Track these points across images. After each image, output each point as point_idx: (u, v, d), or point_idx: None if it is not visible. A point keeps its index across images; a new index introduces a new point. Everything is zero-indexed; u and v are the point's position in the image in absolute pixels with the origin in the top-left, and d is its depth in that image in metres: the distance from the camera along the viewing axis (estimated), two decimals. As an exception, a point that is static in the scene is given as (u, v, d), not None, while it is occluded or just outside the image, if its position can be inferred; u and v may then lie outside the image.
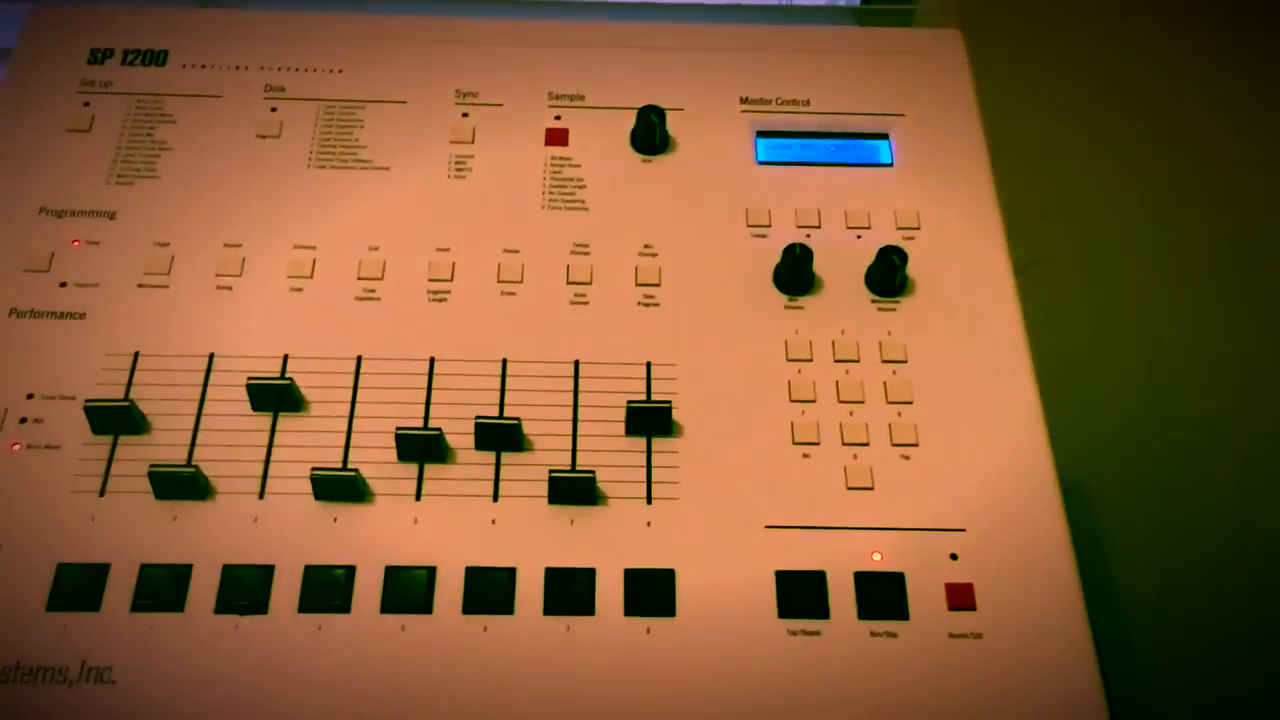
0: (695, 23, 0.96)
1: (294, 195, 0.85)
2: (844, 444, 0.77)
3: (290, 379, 0.75)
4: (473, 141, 0.88)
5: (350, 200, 0.85)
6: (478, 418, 0.74)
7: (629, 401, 0.75)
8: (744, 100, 0.91)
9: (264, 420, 0.76)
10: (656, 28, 0.95)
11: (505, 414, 0.77)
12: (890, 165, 0.89)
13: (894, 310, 0.82)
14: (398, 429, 0.74)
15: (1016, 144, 0.92)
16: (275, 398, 0.76)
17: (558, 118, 0.90)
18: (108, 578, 0.70)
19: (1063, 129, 1.11)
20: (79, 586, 0.70)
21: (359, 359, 0.78)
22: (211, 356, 0.78)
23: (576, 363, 0.79)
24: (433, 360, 0.79)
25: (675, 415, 0.77)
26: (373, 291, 0.81)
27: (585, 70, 0.92)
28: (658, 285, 0.82)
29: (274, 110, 0.89)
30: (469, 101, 0.90)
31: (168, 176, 0.86)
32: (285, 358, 0.78)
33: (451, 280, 0.82)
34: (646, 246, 0.84)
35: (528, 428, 0.76)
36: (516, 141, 0.89)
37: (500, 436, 0.75)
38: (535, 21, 0.95)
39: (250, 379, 0.75)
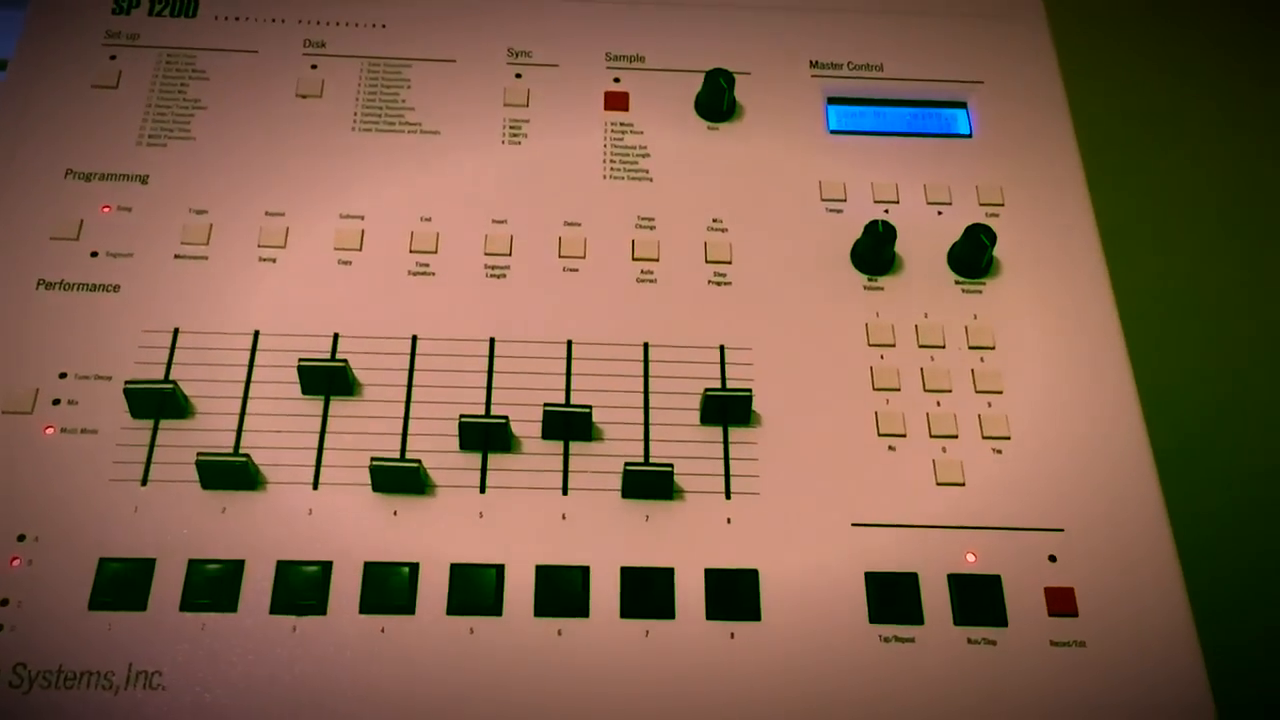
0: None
1: (339, 160, 0.80)
2: (932, 436, 0.72)
3: (344, 361, 0.70)
4: (527, 104, 0.83)
5: (399, 167, 0.80)
6: (546, 405, 0.70)
7: (707, 390, 0.71)
8: (814, 64, 0.86)
9: (315, 405, 0.71)
10: (719, -16, 0.89)
11: (572, 400, 0.72)
12: (969, 136, 0.84)
13: (979, 293, 0.78)
14: (461, 416, 0.69)
15: (1094, 130, 0.87)
16: (327, 380, 0.71)
17: (617, 80, 0.84)
18: (154, 574, 0.65)
19: (1144, 124, 1.06)
20: (123, 583, 0.65)
21: (414, 339, 0.73)
22: (256, 334, 0.73)
23: (646, 345, 0.74)
24: (493, 341, 0.74)
25: (752, 403, 0.72)
26: (426, 266, 0.76)
27: (646, 29, 0.87)
28: (729, 263, 0.78)
29: (314, 68, 0.83)
30: (522, 61, 0.85)
31: (203, 138, 0.80)
32: (335, 337, 0.73)
33: (510, 255, 0.77)
34: (715, 221, 0.79)
35: (596, 415, 0.71)
36: (574, 105, 0.83)
37: (569, 425, 0.70)
38: (590, -24, 0.89)
39: (302, 360, 0.70)
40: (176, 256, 0.75)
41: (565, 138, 0.82)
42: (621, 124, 0.83)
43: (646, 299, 0.76)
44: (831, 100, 0.85)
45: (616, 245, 0.78)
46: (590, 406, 0.70)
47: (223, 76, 0.83)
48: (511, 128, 0.82)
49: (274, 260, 0.76)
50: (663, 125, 0.83)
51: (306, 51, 0.84)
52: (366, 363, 0.72)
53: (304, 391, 0.71)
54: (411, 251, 0.77)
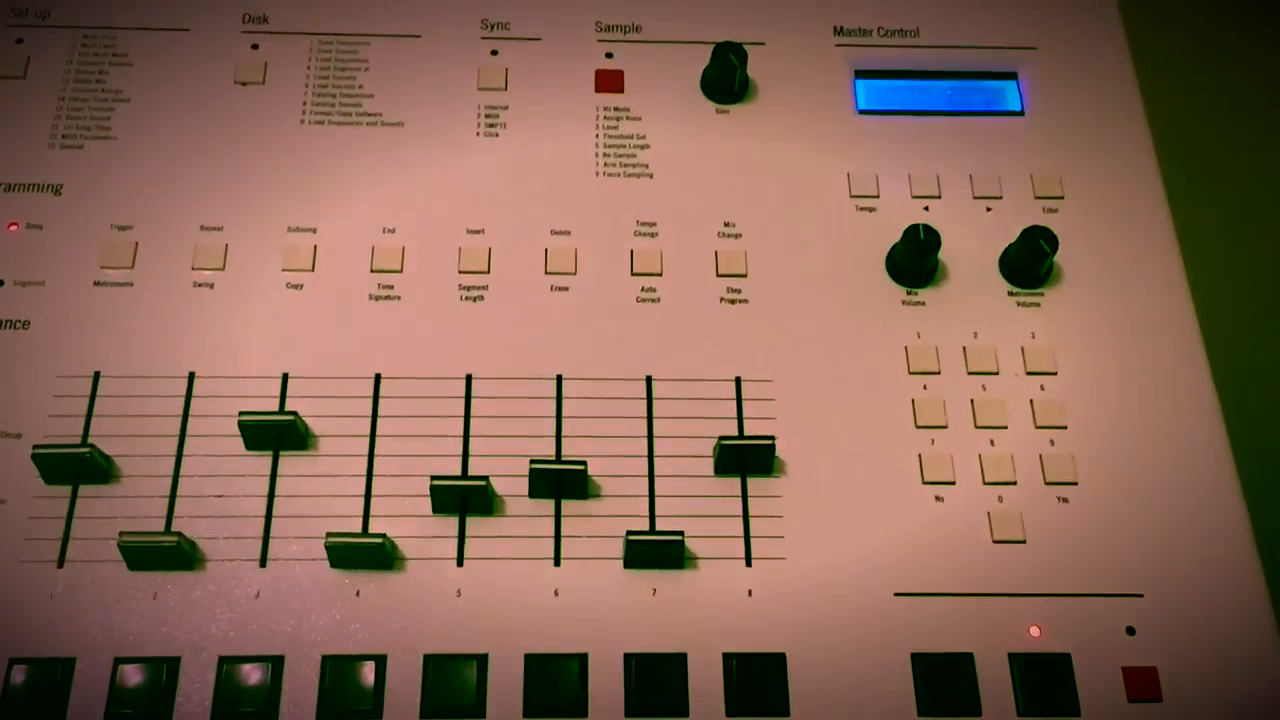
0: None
1: (286, 161, 0.68)
2: (986, 482, 0.62)
3: (294, 414, 0.60)
4: (505, 88, 0.71)
5: (357, 167, 0.68)
6: (534, 462, 0.59)
7: (721, 439, 0.60)
8: (838, 31, 0.74)
9: (261, 461, 0.60)
10: (726, -64, 0.77)
11: (564, 448, 0.61)
12: (1021, 113, 0.72)
13: (1037, 305, 0.66)
14: (433, 479, 0.58)
15: (1160, 112, 0.75)
16: (275, 435, 0.60)
17: (609, 55, 0.72)
18: (73, 677, 0.55)
19: (1218, 109, 0.92)
20: (37, 689, 0.55)
21: (377, 378, 0.63)
22: (191, 377, 0.62)
23: (649, 379, 0.63)
24: (469, 379, 0.63)
25: (775, 449, 0.61)
26: (391, 289, 0.65)
27: (642, -7, 0.74)
28: (744, 275, 0.66)
29: (255, 48, 0.71)
30: (498, 35, 0.73)
31: (126, 137, 0.68)
32: (284, 378, 0.62)
33: (489, 272, 0.66)
34: (727, 225, 0.68)
35: (593, 466, 0.61)
36: (560, 87, 0.71)
37: (561, 483, 0.60)
38: (576, -72, 0.76)
39: (244, 415, 0.59)
40: (96, 283, 0.64)
41: (550, 127, 0.70)
42: (616, 109, 0.71)
43: (649, 322, 0.65)
44: (860, 74, 0.73)
45: (613, 257, 0.67)
46: (584, 462, 0.59)
47: (148, 61, 0.70)
48: (488, 117, 0.70)
49: (211, 285, 0.64)
50: (664, 109, 0.71)
51: (246, 28, 0.72)
52: (321, 408, 0.62)
53: (248, 447, 0.60)
54: (373, 271, 0.65)
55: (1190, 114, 0.89)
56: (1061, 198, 0.69)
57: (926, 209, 0.69)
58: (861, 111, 0.72)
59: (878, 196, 0.69)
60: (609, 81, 0.72)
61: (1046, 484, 0.62)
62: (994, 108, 0.72)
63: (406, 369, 0.63)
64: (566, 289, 0.66)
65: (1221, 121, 0.92)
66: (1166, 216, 0.69)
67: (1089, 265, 0.67)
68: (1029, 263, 0.65)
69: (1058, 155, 0.71)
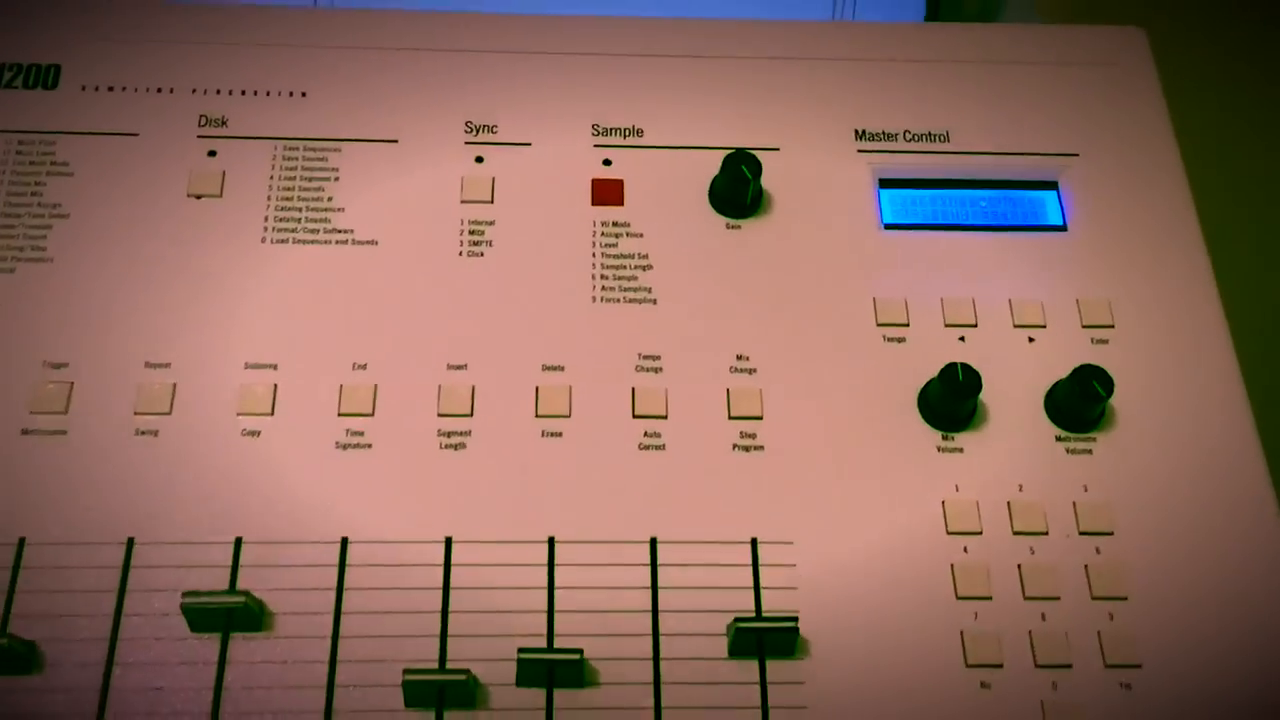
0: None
1: (244, 286, 0.61)
2: (1038, 666, 0.54)
3: (244, 594, 0.52)
4: (491, 200, 0.64)
5: (324, 292, 0.61)
6: (522, 652, 0.51)
7: (737, 619, 0.52)
8: (860, 135, 0.67)
9: (209, 646, 0.53)
10: (737, 26, 0.70)
11: (556, 625, 0.54)
12: (1063, 228, 0.65)
13: (1089, 452, 0.59)
14: (406, 674, 0.51)
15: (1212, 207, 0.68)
16: (224, 616, 0.52)
17: (608, 163, 0.65)
18: None
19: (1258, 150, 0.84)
20: None
21: (344, 542, 0.55)
22: (130, 544, 0.54)
23: (653, 541, 0.56)
24: (449, 542, 0.55)
25: (800, 625, 0.54)
26: (361, 435, 0.57)
27: (644, 92, 0.67)
28: (759, 418, 0.59)
29: (212, 155, 0.64)
30: (484, 139, 0.65)
31: (63, 259, 0.60)
32: (238, 543, 0.55)
33: (471, 415, 0.58)
34: (740, 359, 0.61)
35: (590, 647, 0.53)
36: (553, 198, 0.64)
37: (554, 673, 0.52)
38: (572, 18, 0.69)
39: (187, 598, 0.52)
40: (24, 432, 0.56)
41: (542, 245, 0.63)
42: (615, 223, 0.64)
43: (653, 474, 0.57)
44: (884, 183, 0.66)
45: (612, 397, 0.59)
46: (580, 651, 0.52)
47: (91, 170, 0.63)
48: (472, 233, 0.63)
49: (155, 433, 0.57)
50: (668, 224, 0.64)
51: (203, 132, 0.64)
52: (279, 579, 0.54)
53: (193, 629, 0.53)
54: (341, 414, 0.58)
55: (1247, 223, 0.82)
56: (1111, 326, 0.62)
57: (962, 339, 0.61)
58: (887, 226, 0.65)
59: (908, 325, 0.62)
60: (607, 192, 0.64)
61: (1107, 667, 0.54)
62: (1034, 221, 0.65)
63: (377, 531, 0.55)
64: (560, 435, 0.58)
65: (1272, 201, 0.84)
66: (1228, 344, 0.62)
67: (1145, 404, 0.60)
68: (1081, 407, 0.58)
69: (1106, 276, 0.63)
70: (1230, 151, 0.82)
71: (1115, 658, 0.54)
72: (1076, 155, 0.67)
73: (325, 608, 0.53)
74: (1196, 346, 0.62)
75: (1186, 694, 0.54)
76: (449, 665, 0.52)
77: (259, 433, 0.57)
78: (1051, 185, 0.66)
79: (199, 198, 0.63)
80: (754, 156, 0.62)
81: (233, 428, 0.57)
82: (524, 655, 0.51)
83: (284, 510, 0.55)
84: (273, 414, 0.58)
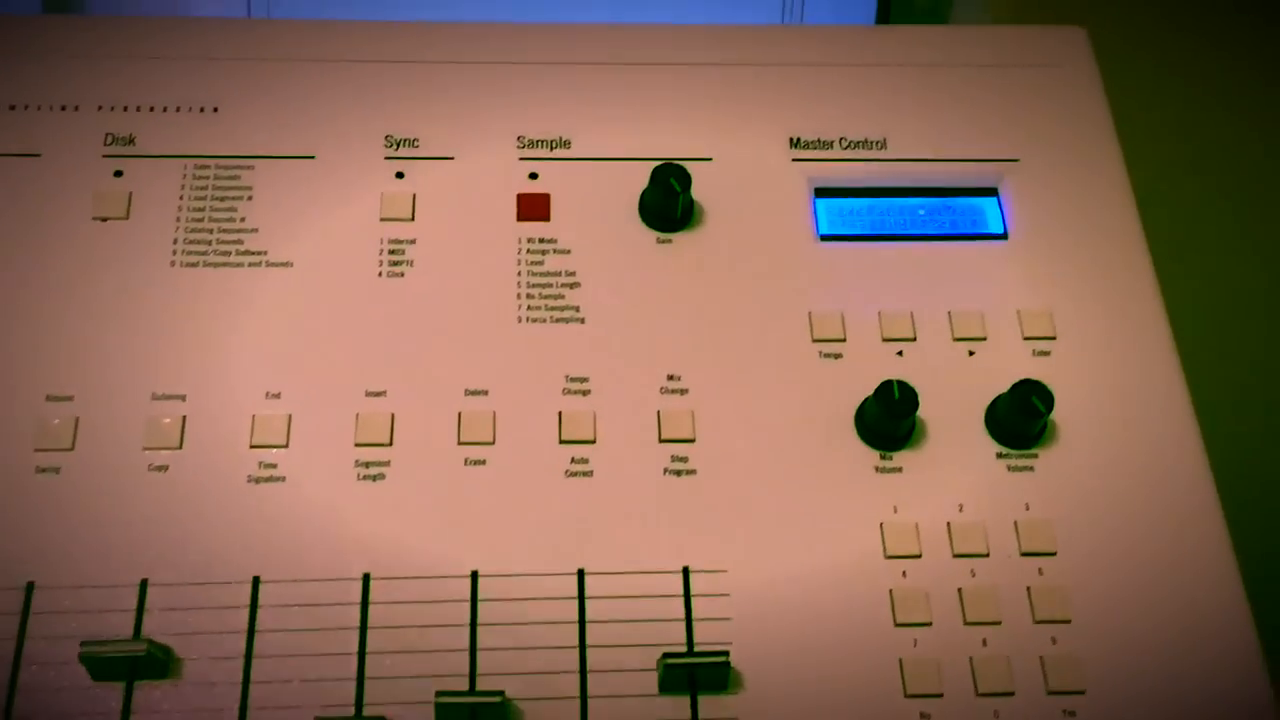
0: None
1: (151, 312, 0.58)
2: (979, 694, 0.52)
3: (147, 642, 0.49)
4: (412, 218, 0.61)
5: (236, 318, 0.58)
6: (440, 694, 0.49)
7: (666, 655, 0.50)
8: (795, 143, 0.65)
9: (112, 694, 0.50)
10: (668, 31, 0.67)
11: (479, 663, 0.51)
12: (1004, 236, 0.63)
13: (1030, 469, 0.57)
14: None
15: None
16: (128, 665, 0.50)
17: (534, 176, 0.63)
18: None
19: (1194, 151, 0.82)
20: None
21: (255, 582, 0.53)
22: (30, 589, 0.52)
23: (581, 573, 0.54)
24: (367, 579, 0.53)
25: (734, 657, 0.52)
26: (274, 468, 0.55)
27: (571, 102, 0.65)
28: (692, 441, 0.57)
29: (119, 175, 0.61)
30: (405, 154, 0.63)
31: (-40, 287, 0.58)
32: (143, 586, 0.52)
33: (390, 444, 0.56)
34: (671, 379, 0.58)
35: (514, 686, 0.51)
36: (476, 215, 0.62)
37: (475, 718, 0.50)
38: (496, 25, 0.67)
39: (85, 648, 0.49)
40: (-84, 472, 0.54)
41: (465, 264, 0.60)
42: (541, 239, 0.61)
43: (580, 501, 0.55)
44: (820, 192, 0.64)
45: (538, 422, 0.57)
46: (502, 694, 0.49)
47: (-9, 193, 0.60)
48: (392, 253, 0.60)
49: (57, 470, 0.54)
50: (597, 239, 0.61)
51: (109, 151, 0.62)
52: (187, 622, 0.51)
53: (95, 678, 0.50)
54: (253, 446, 0.55)
55: (1192, 228, 0.80)
56: (1053, 338, 0.60)
57: (900, 354, 0.60)
58: (823, 237, 0.62)
59: (844, 339, 0.60)
60: (533, 207, 0.62)
61: (1049, 693, 0.52)
62: (974, 230, 0.64)
63: (290, 569, 0.53)
64: (483, 462, 0.56)
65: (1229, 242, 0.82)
66: (1173, 355, 0.60)
67: (1088, 418, 0.58)
68: (1021, 422, 0.56)
69: (1047, 285, 0.62)
70: (1175, 154, 0.81)
71: (1058, 684, 0.53)
72: (1017, 160, 0.65)
73: (235, 652, 0.51)
74: (1140, 357, 0.60)
75: (1131, 719, 0.52)
76: (366, 709, 0.50)
77: (166, 467, 0.55)
78: (992, 192, 0.64)
79: (104, 220, 0.60)
80: (683, 168, 0.60)
81: (139, 463, 0.55)
82: (443, 699, 0.49)
83: (193, 550, 0.53)
84: (181, 447, 0.55)
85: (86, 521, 0.53)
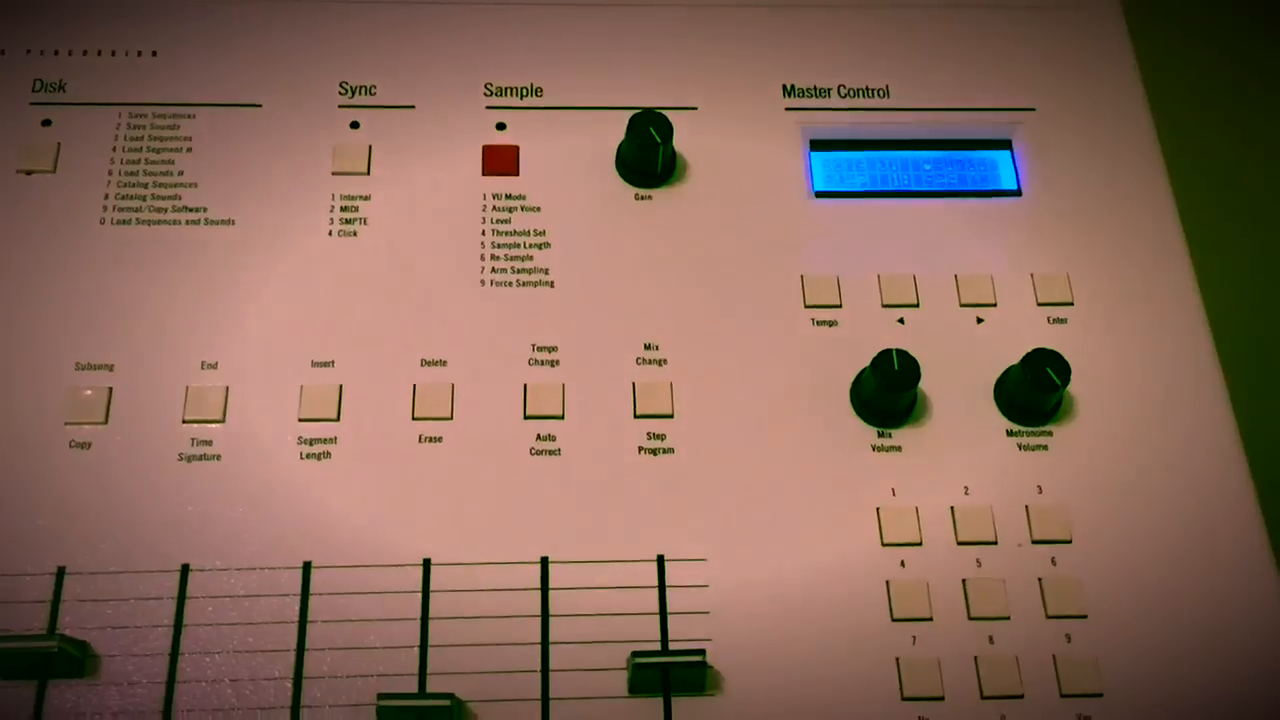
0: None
1: (78, 274, 0.53)
2: (984, 697, 0.47)
3: (58, 638, 0.44)
4: (367, 171, 0.56)
5: (172, 280, 0.53)
6: (382, 697, 0.44)
7: (635, 654, 0.45)
8: (788, 91, 0.59)
9: (24, 693, 0.46)
10: (649, -28, 0.62)
11: (429, 662, 0.46)
12: (1017, 192, 0.58)
13: (1044, 448, 0.52)
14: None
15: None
16: (40, 662, 0.45)
17: (501, 126, 0.58)
18: None
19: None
20: None
21: (184, 570, 0.48)
22: (-64, 577, 0.47)
23: (544, 561, 0.49)
24: (308, 568, 0.48)
25: (711, 655, 0.47)
26: (209, 445, 0.50)
27: (542, 45, 0.59)
28: (670, 416, 0.52)
29: (47, 124, 0.56)
30: (361, 102, 0.58)
31: None
32: (60, 573, 0.47)
33: (338, 419, 0.51)
34: (649, 348, 0.53)
35: (467, 687, 0.46)
36: (437, 168, 0.56)
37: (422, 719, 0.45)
38: (462, -36, 0.61)
39: (-12, 641, 0.44)
40: None
41: (424, 222, 0.55)
42: (509, 195, 0.56)
43: (546, 482, 0.50)
44: (815, 145, 0.58)
45: (501, 395, 0.52)
46: (450, 697, 0.44)
47: (-94, 144, 0.55)
48: (344, 209, 0.55)
49: (-31, 447, 0.50)
50: (569, 195, 0.56)
51: (37, 98, 0.57)
52: (109, 615, 0.47)
53: (4, 676, 0.45)
54: (186, 421, 0.50)
55: (1224, 186, 0.74)
56: (1070, 303, 0.55)
57: (902, 321, 0.54)
58: (818, 194, 0.57)
59: (840, 306, 0.54)
60: (500, 160, 0.57)
61: (1063, 696, 0.47)
62: (984, 186, 0.58)
63: (225, 556, 0.48)
64: (439, 439, 0.51)
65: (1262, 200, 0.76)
66: (1203, 323, 0.55)
67: (1108, 393, 0.53)
68: (1034, 397, 0.51)
69: (1064, 247, 0.56)
70: (1205, 105, 0.75)
71: (1073, 686, 0.47)
72: (1033, 110, 0.59)
73: (160, 648, 0.46)
74: (1166, 326, 0.54)
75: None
76: (303, 712, 0.45)
77: (89, 445, 0.50)
78: (1004, 144, 0.59)
79: (29, 173, 0.55)
80: (663, 117, 0.55)
81: (60, 439, 0.50)
82: (385, 702, 0.44)
83: (116, 535, 0.48)
84: (106, 423, 0.50)
85: (2, 504, 0.48)
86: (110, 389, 0.51)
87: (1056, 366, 0.50)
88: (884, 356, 0.50)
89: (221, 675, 0.46)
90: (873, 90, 0.59)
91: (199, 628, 0.47)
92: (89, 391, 0.50)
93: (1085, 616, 0.49)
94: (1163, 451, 0.52)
